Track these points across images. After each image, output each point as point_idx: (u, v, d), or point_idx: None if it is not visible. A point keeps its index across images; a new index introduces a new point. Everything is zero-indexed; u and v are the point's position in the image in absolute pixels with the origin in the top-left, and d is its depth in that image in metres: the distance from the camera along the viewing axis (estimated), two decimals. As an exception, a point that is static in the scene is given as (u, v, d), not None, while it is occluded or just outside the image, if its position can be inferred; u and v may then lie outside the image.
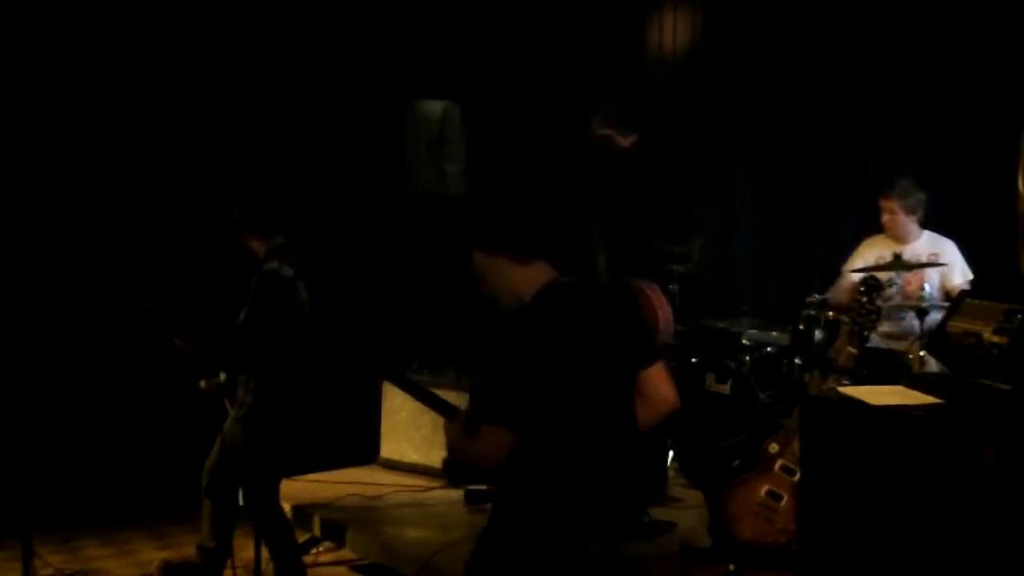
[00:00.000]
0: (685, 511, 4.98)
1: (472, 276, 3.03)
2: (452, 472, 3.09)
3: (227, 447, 4.56)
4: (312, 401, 4.83)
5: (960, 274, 5.46)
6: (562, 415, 2.83)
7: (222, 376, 4.55)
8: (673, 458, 5.52)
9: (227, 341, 4.44)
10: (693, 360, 5.81)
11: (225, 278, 4.87)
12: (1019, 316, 2.87)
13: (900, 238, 5.54)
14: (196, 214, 6.16)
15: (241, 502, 4.61)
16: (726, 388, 5.60)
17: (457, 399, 5.43)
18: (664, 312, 4.87)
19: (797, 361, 5.42)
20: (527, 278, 2.95)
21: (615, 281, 4.70)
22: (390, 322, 6.69)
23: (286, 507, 5.25)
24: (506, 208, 3.06)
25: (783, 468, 4.05)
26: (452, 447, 2.97)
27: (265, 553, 4.59)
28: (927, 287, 5.36)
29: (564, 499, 2.85)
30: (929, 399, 2.98)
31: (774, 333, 5.75)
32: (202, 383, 4.59)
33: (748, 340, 5.73)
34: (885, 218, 5.54)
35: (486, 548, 2.95)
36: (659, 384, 3.00)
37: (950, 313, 3.25)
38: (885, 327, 5.44)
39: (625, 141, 5.02)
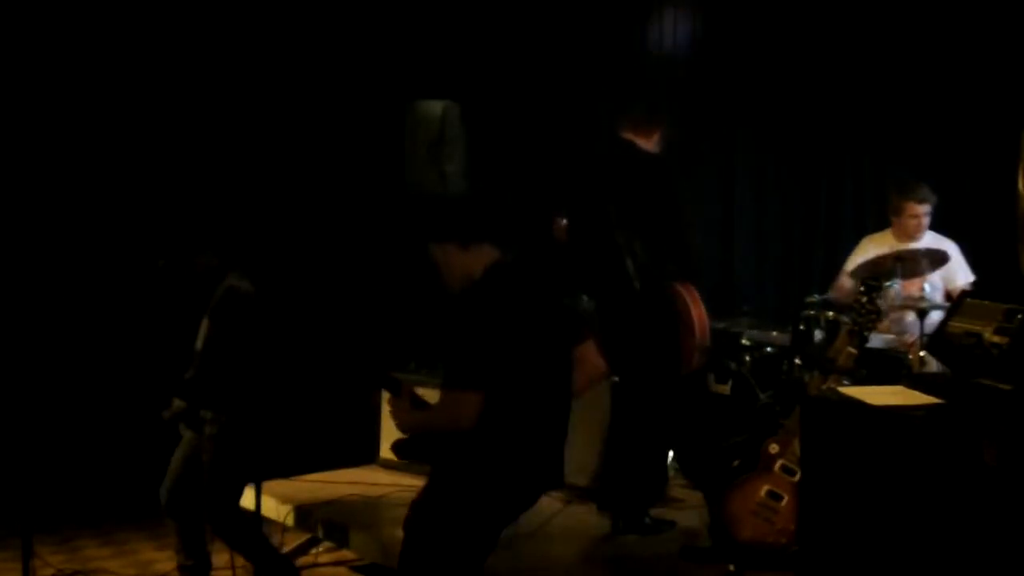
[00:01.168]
0: (685, 511, 4.99)
1: (433, 268, 3.38)
2: (403, 452, 3.30)
3: (189, 463, 4.54)
4: (302, 404, 4.84)
5: (963, 276, 5.46)
6: (521, 374, 3.18)
7: (176, 403, 4.51)
8: (673, 458, 5.52)
9: (200, 371, 4.43)
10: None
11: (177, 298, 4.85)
12: (1019, 316, 2.87)
13: (914, 239, 5.54)
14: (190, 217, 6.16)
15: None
16: (726, 388, 5.60)
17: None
18: (700, 313, 4.82)
19: (797, 361, 5.40)
20: (474, 261, 3.30)
21: (652, 283, 4.71)
22: (389, 322, 6.69)
23: (286, 507, 5.25)
24: (448, 203, 3.45)
25: (783, 468, 4.05)
26: (411, 422, 3.27)
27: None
28: (927, 287, 5.36)
29: (523, 450, 3.22)
30: (929, 399, 2.98)
31: (774, 333, 5.74)
32: (165, 414, 4.56)
33: (748, 340, 5.72)
34: (916, 222, 5.52)
35: (433, 506, 3.25)
36: (591, 354, 3.46)
37: (950, 313, 3.25)
38: (885, 327, 5.44)
39: (649, 144, 4.96)
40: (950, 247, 5.53)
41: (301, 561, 5.15)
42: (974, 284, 5.36)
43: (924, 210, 5.51)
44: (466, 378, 3.12)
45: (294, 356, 5.18)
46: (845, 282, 5.56)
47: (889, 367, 5.05)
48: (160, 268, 4.50)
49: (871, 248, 5.64)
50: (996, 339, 2.89)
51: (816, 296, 5.61)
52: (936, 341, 3.42)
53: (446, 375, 3.20)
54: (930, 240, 5.57)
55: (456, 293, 3.33)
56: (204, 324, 4.50)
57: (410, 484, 5.43)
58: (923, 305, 5.24)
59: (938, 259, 5.37)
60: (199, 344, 4.49)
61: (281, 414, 4.64)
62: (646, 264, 4.72)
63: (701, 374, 5.59)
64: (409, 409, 3.30)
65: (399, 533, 4.83)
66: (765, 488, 4.05)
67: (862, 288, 4.14)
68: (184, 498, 4.58)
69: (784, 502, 4.00)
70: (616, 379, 4.99)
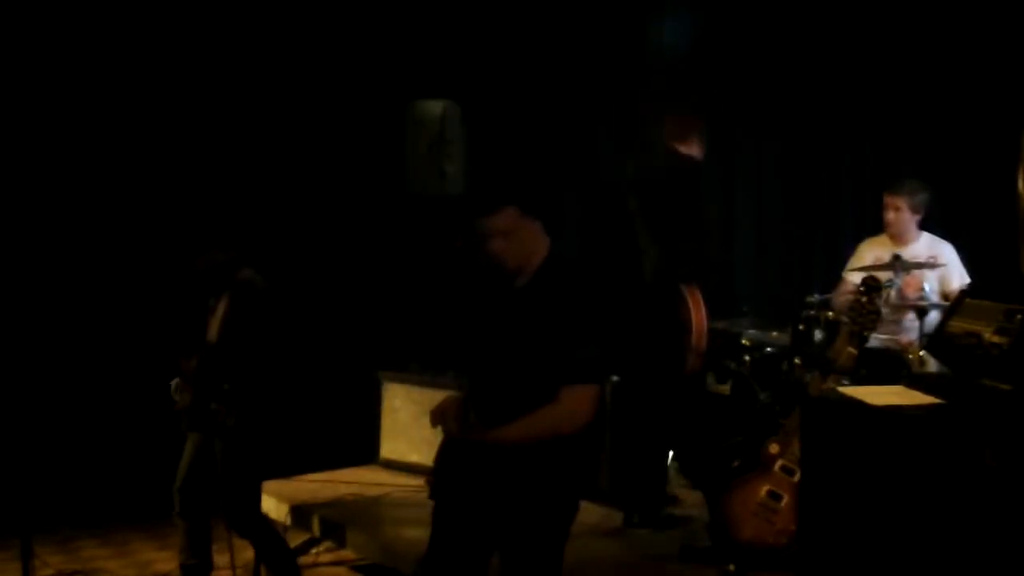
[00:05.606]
0: (685, 511, 4.98)
1: (476, 234, 2.99)
2: (444, 487, 3.14)
3: (198, 463, 4.54)
4: (309, 402, 4.80)
5: (958, 278, 5.46)
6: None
7: (186, 396, 4.49)
8: (673, 458, 5.52)
9: (212, 362, 4.42)
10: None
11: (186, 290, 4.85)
12: (1019, 316, 2.87)
13: (900, 237, 5.54)
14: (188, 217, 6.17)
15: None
16: (726, 388, 5.60)
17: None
18: (700, 318, 4.86)
19: (797, 361, 5.41)
20: (539, 248, 3.03)
21: (663, 285, 4.80)
22: (390, 322, 6.69)
23: (285, 507, 5.26)
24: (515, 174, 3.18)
25: (783, 468, 4.05)
26: (498, 436, 2.98)
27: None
28: (926, 287, 5.36)
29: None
30: (929, 399, 2.97)
31: (774, 333, 5.74)
32: (176, 398, 4.54)
33: (748, 340, 5.72)
34: (889, 215, 5.53)
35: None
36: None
37: (950, 313, 3.25)
38: (884, 327, 5.44)
39: (695, 152, 5.04)
40: (946, 249, 5.53)
41: (301, 561, 5.14)
42: (968, 286, 5.36)
43: (897, 203, 5.49)
44: (588, 372, 2.94)
45: (296, 355, 5.17)
46: (845, 286, 5.56)
47: (889, 367, 5.05)
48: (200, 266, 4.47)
49: (869, 251, 5.64)
50: (996, 339, 2.88)
51: (816, 296, 5.61)
52: (936, 341, 3.42)
53: (544, 370, 2.90)
54: (926, 241, 5.57)
55: (496, 272, 3.02)
56: (218, 316, 4.47)
57: (410, 484, 5.44)
58: (922, 305, 5.25)
59: (935, 261, 5.39)
60: (212, 336, 4.47)
61: (283, 413, 4.63)
62: (661, 268, 4.78)
63: (701, 374, 5.60)
64: (477, 424, 3.04)
65: (399, 533, 4.88)
66: (765, 488, 4.06)
67: (862, 288, 4.14)
68: (196, 498, 4.58)
69: (784, 502, 4.00)
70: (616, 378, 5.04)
